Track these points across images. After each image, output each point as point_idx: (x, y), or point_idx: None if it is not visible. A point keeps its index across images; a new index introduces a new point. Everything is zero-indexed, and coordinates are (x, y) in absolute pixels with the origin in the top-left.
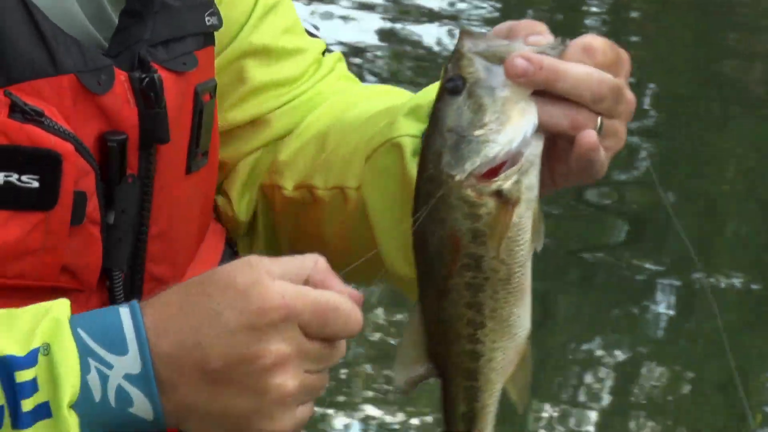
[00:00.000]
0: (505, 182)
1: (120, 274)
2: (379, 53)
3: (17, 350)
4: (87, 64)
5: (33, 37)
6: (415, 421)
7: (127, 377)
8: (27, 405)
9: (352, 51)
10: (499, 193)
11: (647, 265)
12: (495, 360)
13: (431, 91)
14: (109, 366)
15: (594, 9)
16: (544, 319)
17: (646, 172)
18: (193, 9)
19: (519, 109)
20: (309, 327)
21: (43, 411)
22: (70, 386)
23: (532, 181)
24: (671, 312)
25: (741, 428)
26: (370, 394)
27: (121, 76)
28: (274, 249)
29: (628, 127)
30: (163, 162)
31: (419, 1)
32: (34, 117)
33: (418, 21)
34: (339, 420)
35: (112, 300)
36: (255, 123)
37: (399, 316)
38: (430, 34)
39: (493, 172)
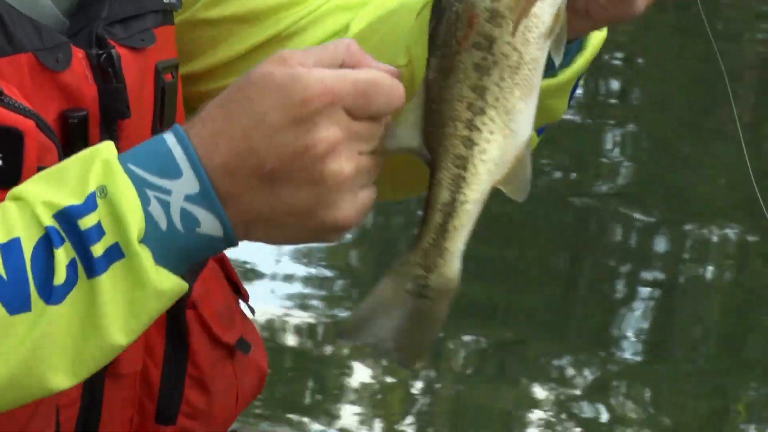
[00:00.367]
0: None
1: None
2: None
3: (74, 199)
4: (44, 42)
5: None
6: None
7: (188, 198)
8: (97, 250)
9: None
10: None
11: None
12: (488, 152)
13: None
14: (168, 192)
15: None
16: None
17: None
18: None
19: None
20: (354, 107)
21: (115, 252)
22: (135, 221)
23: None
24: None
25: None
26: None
27: (78, 53)
28: None
29: None
30: (126, 138)
31: None
32: None
33: None
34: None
35: None
36: (269, 43)
37: None
38: None
39: None
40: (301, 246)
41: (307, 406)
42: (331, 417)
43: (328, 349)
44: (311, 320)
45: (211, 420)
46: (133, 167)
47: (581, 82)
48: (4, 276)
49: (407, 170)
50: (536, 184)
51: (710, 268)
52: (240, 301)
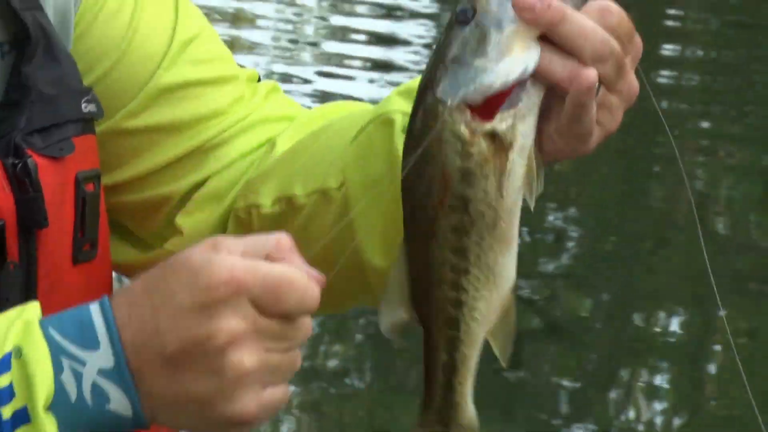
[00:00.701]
0: (500, 124)
1: None
2: None
3: None
4: None
5: None
6: None
7: (101, 372)
8: (6, 412)
9: None
10: (493, 136)
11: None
12: (477, 309)
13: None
14: (82, 362)
15: None
16: None
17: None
18: (69, 96)
19: (522, 46)
20: (261, 302)
21: (22, 416)
22: (44, 387)
23: (527, 128)
24: None
25: None
26: None
27: None
28: None
29: None
30: (45, 248)
31: None
32: None
33: None
34: None
35: None
36: (192, 154)
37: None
38: None
39: (489, 113)
40: None
41: None
42: None
43: None
44: None
45: None
46: (53, 332)
47: None
48: None
49: (342, 287)
50: None
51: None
52: None
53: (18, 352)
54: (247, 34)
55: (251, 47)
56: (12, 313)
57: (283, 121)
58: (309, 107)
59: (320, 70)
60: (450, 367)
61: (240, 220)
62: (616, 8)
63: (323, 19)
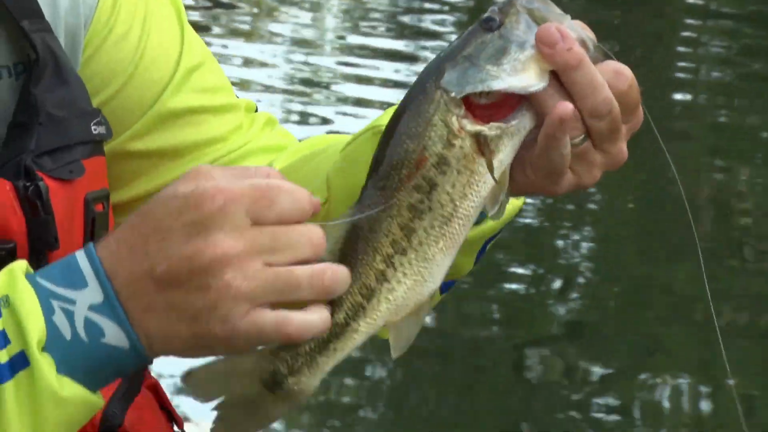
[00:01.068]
0: (489, 130)
1: None
2: None
3: None
4: None
5: None
6: None
7: (92, 308)
8: (2, 357)
9: None
10: (478, 138)
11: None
12: (394, 292)
13: None
14: (72, 302)
15: None
16: None
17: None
18: (78, 118)
19: (535, 70)
20: (254, 209)
21: (21, 360)
22: (36, 329)
23: (510, 147)
24: None
25: None
26: None
27: (6, 185)
28: None
29: None
30: None
31: None
32: None
33: None
34: None
35: None
36: None
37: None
38: None
39: (484, 118)
40: None
41: None
42: None
43: None
44: None
45: None
46: (40, 279)
47: (489, 246)
48: None
49: None
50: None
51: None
52: (174, 427)
53: (5, 300)
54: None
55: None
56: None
57: (279, 151)
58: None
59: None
60: (339, 330)
61: None
62: (630, 75)
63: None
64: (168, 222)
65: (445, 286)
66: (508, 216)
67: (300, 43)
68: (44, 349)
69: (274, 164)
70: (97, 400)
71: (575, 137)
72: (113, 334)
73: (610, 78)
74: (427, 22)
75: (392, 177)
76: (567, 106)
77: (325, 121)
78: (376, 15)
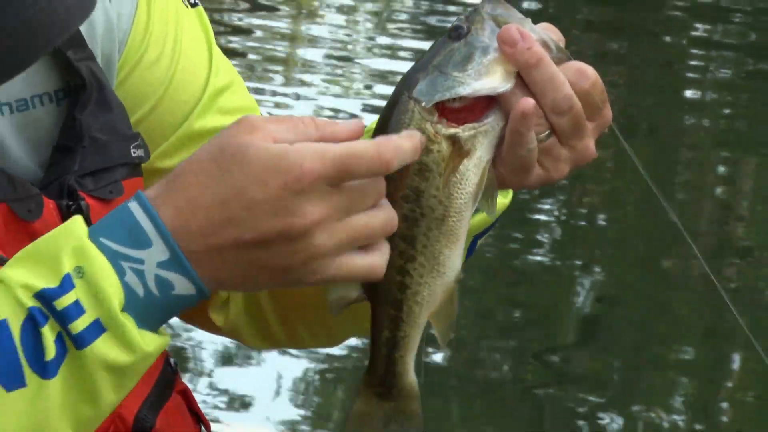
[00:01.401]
0: (463, 132)
1: None
2: None
3: (50, 282)
4: (17, 193)
5: None
6: None
7: (160, 265)
8: (78, 326)
9: None
10: (454, 141)
11: None
12: (420, 294)
13: None
14: (141, 261)
15: None
16: None
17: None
18: (119, 142)
19: (500, 72)
20: (335, 180)
21: (98, 327)
22: (115, 294)
23: (486, 144)
24: None
25: None
26: None
27: (50, 204)
28: (253, 309)
29: None
30: None
31: None
32: None
33: None
34: None
35: None
36: None
37: None
38: None
39: (458, 121)
40: (300, 382)
41: None
42: None
43: None
44: None
45: None
46: (105, 241)
47: (480, 241)
48: None
49: (322, 320)
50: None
51: None
52: (202, 429)
53: (79, 271)
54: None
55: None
56: (56, 232)
57: None
58: None
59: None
60: (392, 342)
61: None
62: (592, 75)
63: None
64: (253, 191)
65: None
66: (498, 212)
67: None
68: (123, 309)
69: None
70: (168, 340)
71: (540, 133)
72: (182, 286)
73: (573, 77)
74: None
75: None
76: (528, 102)
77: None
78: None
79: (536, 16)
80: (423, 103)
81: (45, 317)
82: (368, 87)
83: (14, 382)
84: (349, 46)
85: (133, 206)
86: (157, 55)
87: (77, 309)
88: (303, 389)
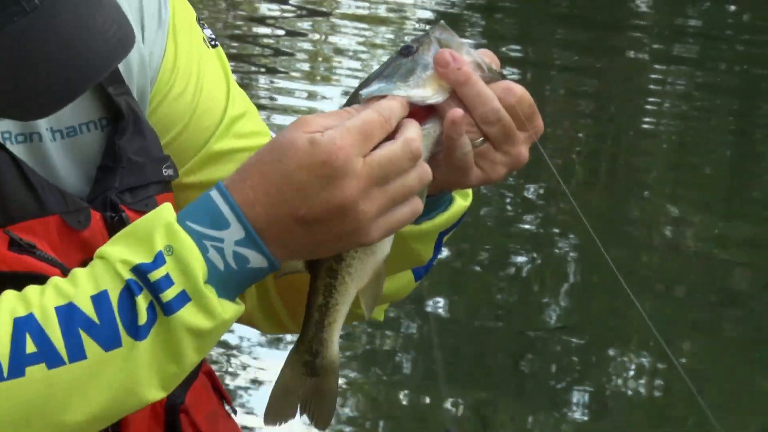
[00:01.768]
0: None
1: None
2: None
3: (145, 258)
4: (68, 206)
5: (24, 187)
6: None
7: (237, 243)
8: (168, 296)
9: None
10: None
11: None
12: (353, 266)
13: None
14: (221, 240)
15: None
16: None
17: None
18: (153, 163)
19: (435, 86)
20: (364, 149)
21: (184, 297)
22: (199, 269)
23: (424, 146)
24: None
25: None
26: None
27: (96, 215)
28: (265, 303)
29: None
30: None
31: None
32: (28, 249)
33: None
34: None
35: None
36: None
37: None
38: None
39: None
40: None
41: None
42: None
43: None
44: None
45: None
46: (190, 224)
47: (445, 238)
48: (97, 321)
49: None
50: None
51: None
52: (224, 405)
53: (169, 249)
54: None
55: None
56: (150, 216)
57: None
58: None
59: None
60: (324, 309)
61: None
62: (519, 92)
63: None
64: (300, 175)
65: (419, 274)
66: (458, 212)
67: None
68: (206, 282)
69: None
70: (243, 308)
71: (474, 140)
72: (256, 260)
73: (501, 93)
74: None
75: None
76: (456, 111)
77: None
78: None
79: (521, 37)
80: (361, 99)
81: (140, 288)
82: None
83: (112, 343)
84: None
85: (214, 194)
86: (183, 89)
87: (167, 281)
88: None
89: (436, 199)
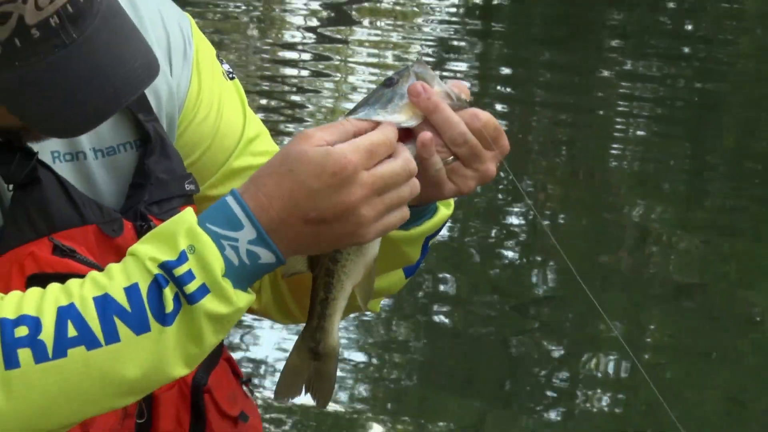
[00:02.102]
0: None
1: None
2: None
3: (170, 256)
4: (104, 217)
5: (66, 202)
6: None
7: (250, 242)
8: (191, 288)
9: None
10: None
11: None
12: (347, 267)
13: None
14: (236, 240)
15: None
16: None
17: None
18: (176, 180)
19: (410, 113)
20: (368, 166)
21: (204, 289)
22: (218, 264)
23: None
24: None
25: None
26: None
27: (128, 225)
28: (278, 296)
29: None
30: None
31: None
32: (70, 253)
33: None
34: None
35: None
36: None
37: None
38: None
39: None
40: None
41: None
42: None
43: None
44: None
45: None
46: (210, 226)
47: (430, 242)
48: (129, 309)
49: (292, 303)
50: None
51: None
52: (243, 386)
53: (191, 248)
54: None
55: None
56: (174, 220)
57: None
58: None
59: None
60: (324, 302)
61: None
62: (484, 117)
63: None
64: (311, 183)
65: (410, 271)
66: (441, 220)
67: None
68: (223, 275)
69: None
70: (254, 297)
71: (446, 158)
72: (266, 257)
73: (468, 119)
74: None
75: None
76: (425, 135)
77: None
78: None
79: (510, 58)
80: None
81: (166, 281)
82: None
83: (142, 328)
84: None
85: (229, 200)
86: (206, 115)
87: (190, 276)
88: None
89: (423, 208)
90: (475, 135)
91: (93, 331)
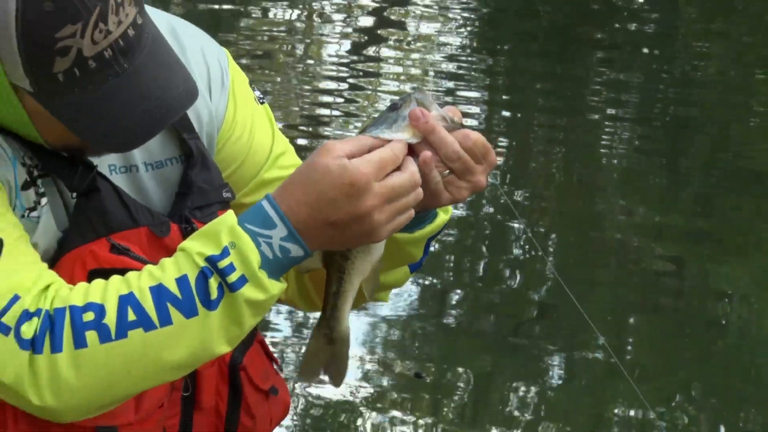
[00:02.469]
0: None
1: None
2: None
3: (215, 251)
4: (154, 220)
5: (121, 207)
6: None
7: (282, 239)
8: (232, 278)
9: None
10: None
11: None
12: (355, 264)
13: None
14: (270, 237)
15: None
16: None
17: None
18: (215, 189)
19: (410, 132)
20: (379, 175)
21: (243, 279)
22: (255, 258)
23: None
24: None
25: None
26: None
27: (174, 227)
28: (303, 288)
29: None
30: None
31: None
32: (124, 252)
33: None
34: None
35: None
36: None
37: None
38: None
39: None
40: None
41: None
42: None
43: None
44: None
45: None
46: (248, 225)
47: (432, 243)
48: (180, 297)
49: (312, 294)
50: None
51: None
52: (273, 364)
53: (233, 244)
54: None
55: None
56: (217, 221)
57: None
58: None
59: None
60: (336, 295)
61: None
62: (474, 136)
63: None
64: (332, 193)
65: (413, 268)
66: (441, 223)
67: None
68: (260, 267)
69: None
70: (285, 285)
71: (442, 172)
72: (295, 251)
73: (460, 138)
74: None
75: None
76: (426, 154)
77: None
78: None
79: (504, 72)
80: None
81: (211, 272)
82: None
83: (191, 312)
84: None
85: (264, 203)
86: (240, 134)
87: (231, 268)
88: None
89: (424, 214)
90: (467, 152)
91: (149, 315)
